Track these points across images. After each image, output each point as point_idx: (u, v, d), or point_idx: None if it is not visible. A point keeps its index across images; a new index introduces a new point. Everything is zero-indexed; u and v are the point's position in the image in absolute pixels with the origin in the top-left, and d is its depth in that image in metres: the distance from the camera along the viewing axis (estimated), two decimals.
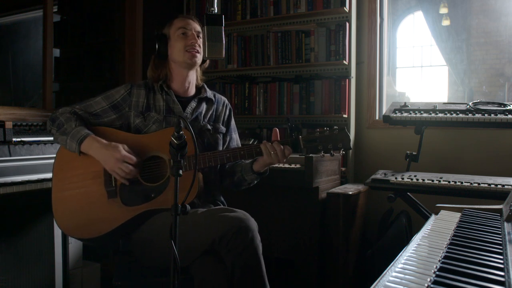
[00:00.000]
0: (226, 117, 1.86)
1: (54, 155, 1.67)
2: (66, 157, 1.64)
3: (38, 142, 2.01)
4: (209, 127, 1.76)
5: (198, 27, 1.73)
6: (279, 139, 1.63)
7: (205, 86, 1.85)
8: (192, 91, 1.79)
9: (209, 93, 1.83)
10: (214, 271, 1.42)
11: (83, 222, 1.59)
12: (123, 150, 1.54)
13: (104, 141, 1.57)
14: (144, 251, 1.60)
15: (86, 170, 1.61)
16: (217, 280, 1.41)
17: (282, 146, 1.56)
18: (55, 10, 3.34)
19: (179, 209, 1.18)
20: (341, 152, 1.65)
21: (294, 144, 1.58)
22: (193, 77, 1.78)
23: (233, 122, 1.91)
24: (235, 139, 1.90)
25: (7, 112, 2.44)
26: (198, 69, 1.80)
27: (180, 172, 1.23)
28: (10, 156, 1.89)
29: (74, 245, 2.31)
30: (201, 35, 1.71)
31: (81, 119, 1.66)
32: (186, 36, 1.69)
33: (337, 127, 1.60)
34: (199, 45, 1.70)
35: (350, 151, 2.86)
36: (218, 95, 1.88)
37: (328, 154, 1.58)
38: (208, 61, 1.83)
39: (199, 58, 1.72)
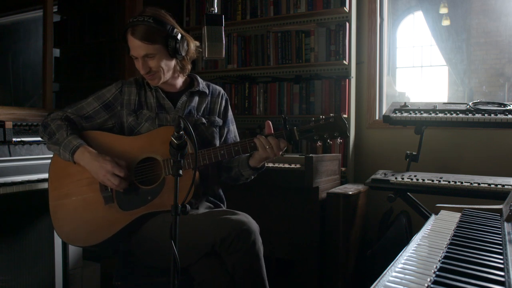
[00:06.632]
0: (222, 108, 1.80)
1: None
2: (60, 164, 1.63)
3: (38, 142, 2.00)
4: (203, 120, 1.71)
5: (143, 46, 1.55)
6: (272, 131, 1.54)
7: (198, 78, 1.79)
8: (178, 84, 1.74)
9: (202, 86, 1.76)
10: (214, 273, 1.42)
11: (83, 231, 1.58)
12: (111, 162, 1.51)
13: (94, 151, 1.55)
14: (144, 251, 1.59)
15: (81, 176, 1.60)
16: (217, 282, 1.41)
17: (277, 140, 1.50)
18: (55, 10, 3.33)
19: (179, 209, 1.18)
20: (339, 140, 1.57)
21: (289, 136, 1.51)
22: (173, 74, 1.69)
23: (230, 113, 1.84)
24: (233, 131, 1.85)
25: (7, 112, 2.44)
26: (177, 66, 1.67)
27: (180, 172, 1.23)
28: (10, 156, 1.89)
29: None
30: (150, 54, 1.57)
31: (73, 124, 1.64)
32: (137, 61, 1.61)
33: (332, 114, 1.52)
34: (151, 68, 1.60)
35: (350, 151, 2.86)
36: (213, 86, 1.82)
37: (327, 148, 1.56)
38: (194, 52, 1.71)
39: (160, 79, 1.64)
